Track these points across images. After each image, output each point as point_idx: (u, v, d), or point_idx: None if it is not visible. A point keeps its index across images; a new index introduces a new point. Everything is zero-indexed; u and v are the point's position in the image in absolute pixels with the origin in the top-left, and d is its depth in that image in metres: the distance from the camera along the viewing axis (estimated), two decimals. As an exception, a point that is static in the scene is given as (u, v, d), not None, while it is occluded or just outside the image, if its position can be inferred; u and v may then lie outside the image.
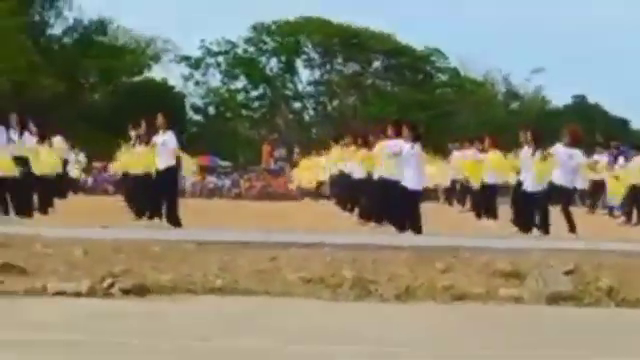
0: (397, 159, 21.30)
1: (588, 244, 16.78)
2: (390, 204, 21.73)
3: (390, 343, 10.07)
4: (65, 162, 31.38)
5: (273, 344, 9.81)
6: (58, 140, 30.21)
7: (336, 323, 11.32)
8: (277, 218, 25.34)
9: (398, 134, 21.81)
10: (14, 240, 14.74)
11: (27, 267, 13.23)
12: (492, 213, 25.91)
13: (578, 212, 25.04)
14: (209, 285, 12.94)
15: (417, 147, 21.08)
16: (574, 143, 22.28)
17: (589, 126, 54.49)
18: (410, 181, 20.88)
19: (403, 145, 21.23)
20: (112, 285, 12.55)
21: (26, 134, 22.66)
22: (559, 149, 21.88)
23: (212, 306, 12.07)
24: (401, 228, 20.59)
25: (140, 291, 12.54)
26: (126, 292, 12.43)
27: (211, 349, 9.60)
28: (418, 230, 20.34)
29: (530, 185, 21.59)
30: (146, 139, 22.35)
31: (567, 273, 13.40)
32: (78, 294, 12.25)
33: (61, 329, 10.42)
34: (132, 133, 25.06)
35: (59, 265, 13.47)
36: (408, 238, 18.96)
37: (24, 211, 21.52)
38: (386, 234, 20.13)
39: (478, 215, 26.98)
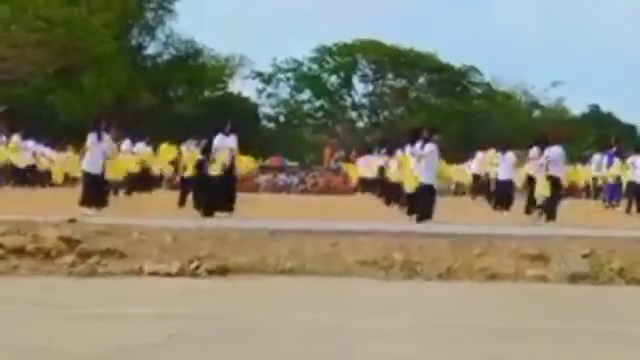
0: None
1: (603, 232, 16.66)
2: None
3: (438, 316, 10.04)
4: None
5: (333, 317, 9.80)
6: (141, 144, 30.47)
7: (389, 299, 11.32)
8: (337, 210, 25.28)
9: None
10: (114, 229, 14.85)
11: (126, 252, 13.34)
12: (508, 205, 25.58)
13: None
14: (280, 267, 12.97)
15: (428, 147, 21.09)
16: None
17: (603, 132, 54.00)
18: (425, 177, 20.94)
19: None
20: (198, 267, 12.60)
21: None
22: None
23: (283, 285, 12.09)
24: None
25: (222, 271, 12.59)
26: (211, 272, 12.49)
27: (284, 322, 9.60)
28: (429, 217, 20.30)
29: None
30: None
31: (585, 256, 13.32)
32: (169, 274, 12.31)
33: (156, 304, 10.49)
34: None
35: (152, 249, 13.57)
36: (448, 227, 18.88)
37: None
38: (429, 223, 20.06)
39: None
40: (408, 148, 22.81)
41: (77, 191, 21.54)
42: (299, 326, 9.24)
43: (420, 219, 20.05)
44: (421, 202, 20.80)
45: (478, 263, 13.20)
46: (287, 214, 21.68)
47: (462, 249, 13.93)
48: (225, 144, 20.91)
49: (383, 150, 30.97)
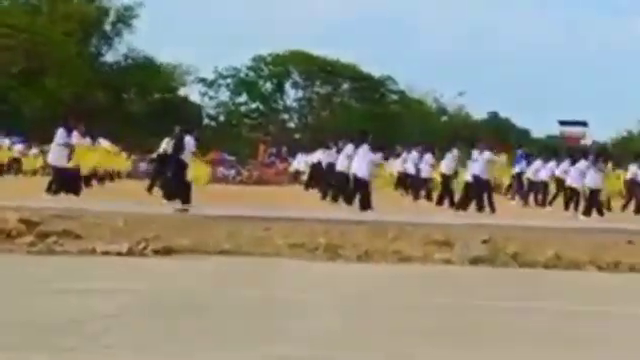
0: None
1: (500, 221, 16.88)
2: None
3: (357, 293, 10.07)
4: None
5: (266, 292, 9.78)
6: (105, 142, 30.16)
7: (314, 278, 11.32)
8: (270, 199, 25.29)
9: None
10: (71, 213, 14.70)
11: (81, 233, 13.19)
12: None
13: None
14: (219, 248, 12.90)
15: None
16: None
17: (501, 135, 54.59)
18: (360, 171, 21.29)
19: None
20: (146, 247, 12.48)
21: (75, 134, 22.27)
22: None
23: (221, 264, 12.03)
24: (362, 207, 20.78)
25: (167, 252, 12.48)
26: (156, 252, 12.37)
27: (222, 297, 9.56)
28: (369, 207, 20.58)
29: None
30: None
31: (484, 242, 13.43)
32: (120, 254, 12.17)
33: (107, 280, 10.38)
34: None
35: (105, 232, 13.44)
36: (367, 215, 18.99)
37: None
38: (350, 211, 20.15)
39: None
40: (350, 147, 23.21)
41: (44, 180, 21.32)
42: (236, 301, 9.21)
43: (363, 208, 20.36)
44: (362, 194, 21.12)
45: (392, 247, 13.24)
46: (226, 202, 21.62)
47: (378, 235, 14.01)
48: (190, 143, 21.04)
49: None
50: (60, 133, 21.32)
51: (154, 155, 28.73)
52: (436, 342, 7.46)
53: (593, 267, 12.82)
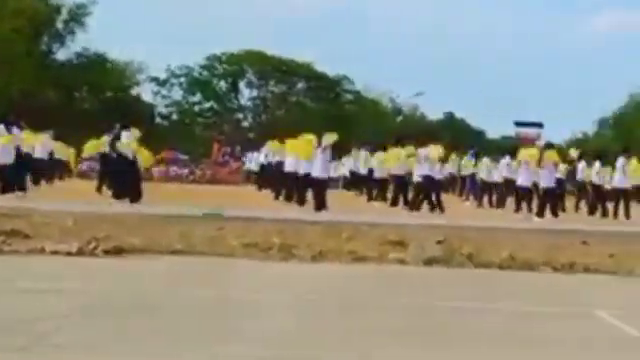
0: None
1: (455, 221, 16.96)
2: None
3: (311, 292, 10.06)
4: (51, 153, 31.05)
5: (219, 292, 9.74)
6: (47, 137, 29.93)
7: (268, 278, 11.30)
8: (223, 198, 25.19)
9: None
10: (19, 212, 14.54)
11: (30, 233, 13.04)
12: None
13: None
14: (171, 248, 12.81)
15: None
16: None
17: (457, 136, 54.93)
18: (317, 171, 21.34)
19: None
20: (96, 247, 12.36)
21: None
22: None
23: (173, 264, 11.95)
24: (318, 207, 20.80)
25: (117, 251, 12.37)
26: (107, 252, 12.25)
27: (174, 297, 9.50)
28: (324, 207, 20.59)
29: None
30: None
31: (439, 242, 13.48)
32: (69, 253, 12.05)
33: (56, 280, 10.28)
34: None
35: (54, 231, 13.30)
36: (322, 215, 19.00)
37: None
38: (305, 212, 20.14)
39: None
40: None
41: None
42: (188, 301, 9.16)
43: (318, 208, 20.35)
44: (317, 194, 21.15)
45: (346, 247, 13.25)
46: (178, 201, 21.52)
47: (333, 235, 14.03)
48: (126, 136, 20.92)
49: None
50: (0, 130, 21.19)
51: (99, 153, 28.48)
52: (390, 342, 7.47)
53: (548, 268, 12.91)
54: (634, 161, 24.90)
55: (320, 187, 21.39)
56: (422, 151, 23.20)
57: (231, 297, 9.48)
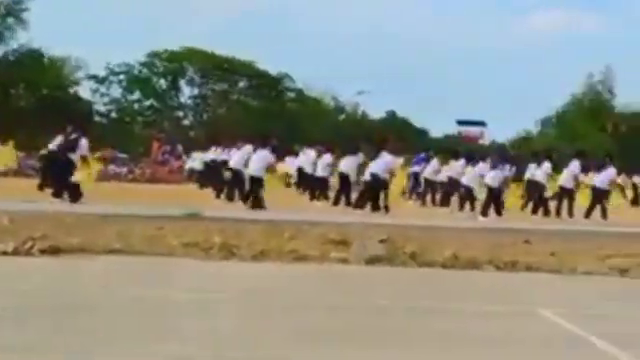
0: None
1: (399, 220, 17.01)
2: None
3: (252, 291, 10.01)
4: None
5: (158, 292, 9.65)
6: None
7: (208, 277, 11.23)
8: (163, 197, 25.02)
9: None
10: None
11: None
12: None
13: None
14: (109, 247, 12.67)
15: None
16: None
17: (399, 135, 55.05)
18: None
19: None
20: (32, 246, 12.17)
21: None
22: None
23: (111, 264, 11.82)
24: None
25: (54, 251, 12.19)
26: (43, 252, 12.08)
27: (112, 297, 9.39)
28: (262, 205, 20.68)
29: None
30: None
31: (382, 241, 13.48)
32: (5, 253, 11.85)
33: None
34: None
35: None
36: (264, 214, 18.95)
37: None
38: (247, 211, 20.10)
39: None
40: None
41: None
42: (126, 300, 9.06)
43: (254, 207, 20.37)
44: (255, 194, 21.18)
45: (288, 246, 13.20)
46: (117, 200, 21.32)
47: (274, 234, 13.96)
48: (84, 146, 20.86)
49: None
50: None
51: (43, 151, 28.12)
52: (330, 341, 7.44)
53: (491, 266, 12.99)
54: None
55: (258, 187, 21.41)
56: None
57: (169, 296, 9.39)
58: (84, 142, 20.73)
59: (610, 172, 24.53)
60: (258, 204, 20.83)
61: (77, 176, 20.61)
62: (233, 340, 7.33)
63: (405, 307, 9.46)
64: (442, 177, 28.64)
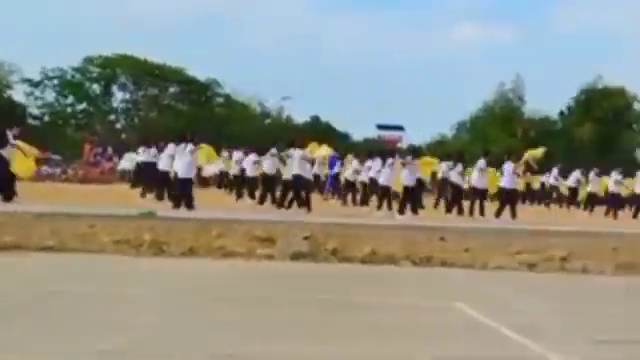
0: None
1: (320, 219, 17.02)
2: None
3: (181, 287, 9.91)
4: None
5: (89, 288, 9.50)
6: None
7: (139, 273, 11.10)
8: (95, 197, 24.67)
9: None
10: None
11: None
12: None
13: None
14: (42, 245, 12.44)
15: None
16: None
17: (322, 138, 55.03)
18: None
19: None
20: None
21: None
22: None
23: (44, 261, 11.60)
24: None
25: (-12, 249, 11.95)
26: (-24, 249, 11.83)
27: (45, 293, 9.20)
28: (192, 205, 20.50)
29: None
30: None
31: (305, 238, 13.48)
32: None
33: None
34: None
35: None
36: (193, 213, 18.79)
37: None
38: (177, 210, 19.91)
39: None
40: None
41: None
42: (57, 296, 8.89)
43: (187, 206, 20.24)
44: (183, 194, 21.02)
45: (216, 243, 13.13)
46: (50, 200, 20.95)
47: (203, 231, 13.86)
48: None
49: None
50: None
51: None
52: (257, 335, 7.39)
53: (408, 262, 13.05)
54: (491, 169, 25.45)
55: (185, 187, 21.27)
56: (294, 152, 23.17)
57: (100, 292, 9.25)
58: (8, 133, 20.34)
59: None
60: (188, 204, 20.62)
61: (16, 168, 20.24)
62: (163, 333, 7.24)
63: (326, 300, 9.45)
64: (362, 177, 28.75)
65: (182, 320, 7.89)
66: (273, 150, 24.92)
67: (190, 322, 7.79)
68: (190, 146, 21.59)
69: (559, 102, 73.45)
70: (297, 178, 22.49)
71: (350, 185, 29.79)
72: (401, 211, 22.67)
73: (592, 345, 7.58)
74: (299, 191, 22.59)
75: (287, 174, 23.22)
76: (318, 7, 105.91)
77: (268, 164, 24.91)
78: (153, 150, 28.57)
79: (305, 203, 22.26)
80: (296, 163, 22.66)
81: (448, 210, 24.83)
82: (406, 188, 23.17)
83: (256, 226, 14.63)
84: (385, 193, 24.69)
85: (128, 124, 77.30)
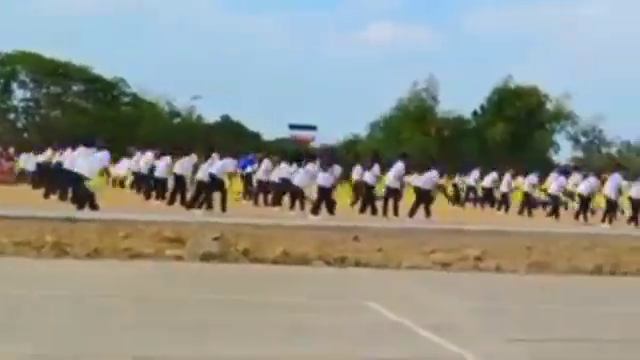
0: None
1: (231, 219, 16.95)
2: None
3: (87, 289, 9.72)
4: None
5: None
6: None
7: (41, 275, 10.85)
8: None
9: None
10: None
11: None
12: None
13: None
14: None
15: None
16: None
17: (233, 138, 54.98)
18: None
19: None
20: None
21: None
22: None
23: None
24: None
25: None
26: None
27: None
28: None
29: None
30: None
31: (215, 239, 13.37)
32: None
33: None
34: None
35: None
36: (98, 214, 18.50)
37: None
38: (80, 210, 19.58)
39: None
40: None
41: None
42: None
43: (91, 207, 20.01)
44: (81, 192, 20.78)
45: (123, 244, 12.93)
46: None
47: (109, 232, 13.67)
48: None
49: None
50: None
51: None
52: (168, 337, 7.29)
53: (321, 262, 13.04)
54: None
55: (80, 184, 21.10)
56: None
57: (9, 294, 9.01)
58: None
59: (432, 174, 25.11)
60: (92, 204, 20.30)
61: None
62: (67, 337, 7.08)
63: (238, 301, 9.38)
64: (274, 178, 28.70)
65: (90, 323, 7.73)
66: (194, 157, 24.86)
67: (99, 325, 7.64)
68: (94, 148, 21.40)
69: (472, 102, 74.33)
70: (212, 177, 22.40)
71: (263, 186, 29.73)
72: (315, 212, 22.69)
73: (506, 344, 7.67)
74: (212, 192, 22.48)
75: (202, 175, 23.05)
76: (229, 6, 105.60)
77: (180, 165, 24.83)
78: (50, 151, 28.25)
79: (221, 204, 22.20)
80: (214, 165, 22.67)
81: (361, 210, 24.93)
82: (322, 189, 23.27)
83: (165, 227, 14.49)
84: (299, 194, 24.71)
85: (30, 123, 75.88)
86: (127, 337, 7.15)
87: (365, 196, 25.54)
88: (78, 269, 11.52)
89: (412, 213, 23.59)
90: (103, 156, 21.86)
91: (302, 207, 24.23)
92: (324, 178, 23.31)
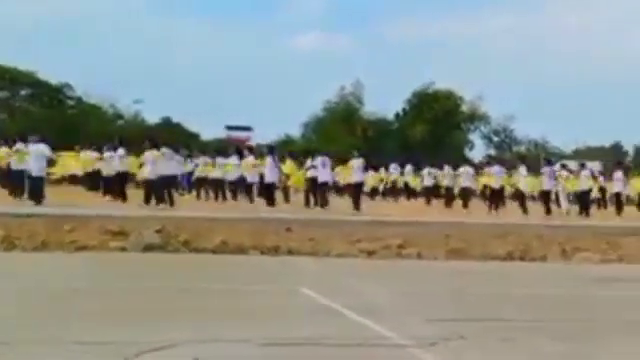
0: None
1: (173, 213, 16.81)
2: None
3: (36, 280, 9.55)
4: None
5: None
6: None
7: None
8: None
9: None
10: None
11: None
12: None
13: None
14: None
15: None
16: None
17: (172, 138, 54.34)
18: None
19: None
20: None
21: None
22: None
23: None
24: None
25: None
26: None
27: None
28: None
29: None
30: None
31: (157, 231, 13.28)
32: None
33: None
34: None
35: None
36: (45, 209, 18.18)
37: None
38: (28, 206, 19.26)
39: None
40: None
41: None
42: None
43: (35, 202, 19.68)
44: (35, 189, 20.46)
45: (69, 237, 12.76)
46: None
47: (56, 226, 13.47)
48: None
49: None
50: None
51: None
52: (103, 322, 7.19)
53: (256, 251, 13.02)
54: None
55: (38, 183, 20.79)
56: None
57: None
58: None
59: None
60: (39, 200, 19.99)
61: None
62: (17, 327, 6.94)
63: (180, 288, 9.31)
64: (214, 175, 28.63)
65: (36, 313, 7.59)
66: (120, 151, 24.68)
67: (45, 314, 7.51)
68: (43, 145, 21.04)
69: (395, 105, 75.10)
70: (162, 177, 22.20)
71: (202, 181, 29.70)
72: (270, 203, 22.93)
73: (426, 324, 7.72)
74: (162, 189, 22.27)
75: (149, 173, 22.78)
76: (166, 10, 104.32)
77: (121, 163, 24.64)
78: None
79: (167, 199, 21.99)
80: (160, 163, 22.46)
81: (306, 203, 24.94)
82: (268, 185, 23.53)
83: (109, 220, 14.31)
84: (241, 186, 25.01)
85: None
86: (70, 324, 7.04)
87: (306, 190, 25.62)
88: (26, 261, 11.35)
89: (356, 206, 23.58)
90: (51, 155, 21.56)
91: (251, 200, 24.57)
92: (270, 173, 23.57)
